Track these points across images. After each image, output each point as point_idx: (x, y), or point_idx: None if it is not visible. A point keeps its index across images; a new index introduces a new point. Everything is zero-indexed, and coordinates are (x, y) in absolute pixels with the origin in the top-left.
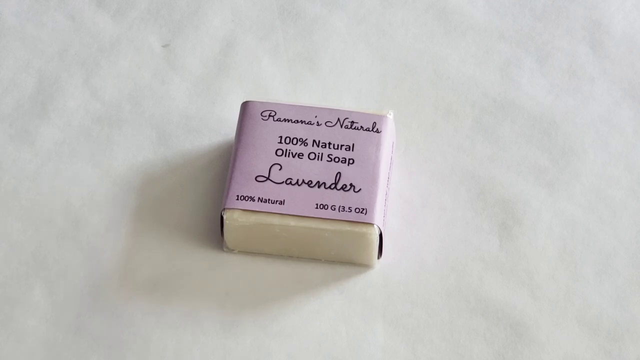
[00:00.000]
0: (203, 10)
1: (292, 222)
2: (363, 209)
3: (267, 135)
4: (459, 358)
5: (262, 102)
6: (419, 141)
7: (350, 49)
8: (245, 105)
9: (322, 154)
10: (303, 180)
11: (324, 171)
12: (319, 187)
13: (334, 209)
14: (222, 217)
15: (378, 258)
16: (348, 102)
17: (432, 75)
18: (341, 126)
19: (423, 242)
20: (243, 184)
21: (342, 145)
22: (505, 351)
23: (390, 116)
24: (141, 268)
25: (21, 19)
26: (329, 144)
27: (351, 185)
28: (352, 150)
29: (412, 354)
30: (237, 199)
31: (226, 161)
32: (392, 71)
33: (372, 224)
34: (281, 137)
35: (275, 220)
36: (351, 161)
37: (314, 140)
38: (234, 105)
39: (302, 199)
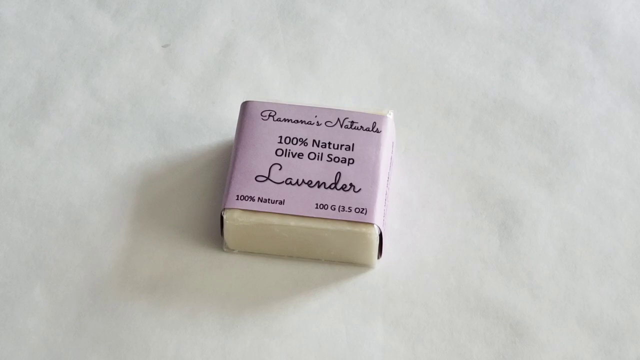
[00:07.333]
0: (203, 10)
1: (292, 222)
2: (363, 209)
3: (267, 135)
4: (459, 358)
5: (262, 102)
6: (419, 141)
7: (350, 49)
8: (245, 105)
9: (322, 153)
10: (303, 180)
11: (324, 171)
12: (318, 187)
13: (334, 209)
14: (222, 217)
15: (378, 258)
16: (348, 102)
17: (432, 75)
18: (341, 126)
19: (423, 242)
20: (243, 183)
21: (342, 145)
22: (505, 351)
23: (390, 116)
24: (141, 268)
25: (21, 19)
26: (329, 143)
27: (351, 185)
28: (352, 150)
29: (412, 354)
30: (237, 199)
31: (226, 161)
32: (392, 71)
33: (372, 224)
34: (281, 137)
35: (275, 220)
36: (351, 161)
37: (314, 140)
38: (234, 105)
39: (302, 199)
